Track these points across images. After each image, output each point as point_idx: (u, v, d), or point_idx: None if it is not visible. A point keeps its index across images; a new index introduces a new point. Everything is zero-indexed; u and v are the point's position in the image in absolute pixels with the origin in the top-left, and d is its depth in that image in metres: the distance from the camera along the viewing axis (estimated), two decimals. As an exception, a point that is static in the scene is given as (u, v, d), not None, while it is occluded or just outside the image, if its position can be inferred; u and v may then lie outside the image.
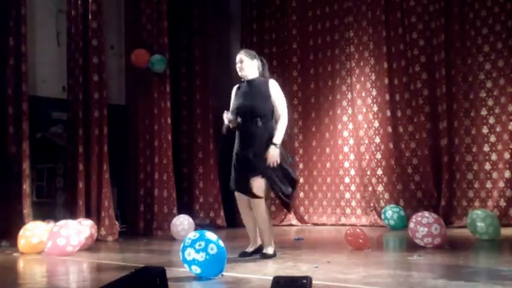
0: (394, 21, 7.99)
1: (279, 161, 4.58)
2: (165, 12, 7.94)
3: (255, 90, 4.71)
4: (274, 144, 4.57)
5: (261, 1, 9.28)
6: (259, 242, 4.80)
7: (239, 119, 4.67)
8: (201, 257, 3.70)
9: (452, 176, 7.38)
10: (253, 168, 4.59)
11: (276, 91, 4.73)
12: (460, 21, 7.48)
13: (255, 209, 4.66)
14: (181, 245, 3.84)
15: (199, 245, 3.73)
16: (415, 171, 7.74)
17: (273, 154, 4.55)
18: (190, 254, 3.73)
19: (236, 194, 4.80)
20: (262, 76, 4.83)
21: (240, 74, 4.80)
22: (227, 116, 4.66)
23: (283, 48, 9.03)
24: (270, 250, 4.70)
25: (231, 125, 4.68)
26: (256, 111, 4.63)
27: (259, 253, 4.74)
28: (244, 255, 4.73)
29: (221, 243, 3.86)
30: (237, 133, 4.75)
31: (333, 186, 8.40)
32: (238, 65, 4.79)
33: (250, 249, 4.82)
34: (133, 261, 4.77)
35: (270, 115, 4.68)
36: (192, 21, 8.74)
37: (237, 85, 4.90)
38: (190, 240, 3.79)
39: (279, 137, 4.62)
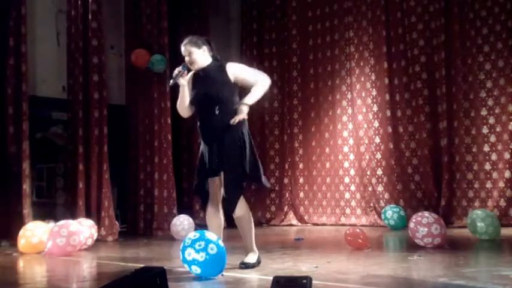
0: (394, 21, 7.99)
1: (246, 117, 4.14)
2: (165, 12, 7.93)
3: (209, 78, 4.27)
4: (244, 104, 4.14)
5: (261, 1, 9.28)
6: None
7: (185, 73, 4.25)
8: (201, 257, 3.70)
9: (452, 176, 7.38)
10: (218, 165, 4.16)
11: (236, 70, 4.30)
12: (460, 21, 7.48)
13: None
14: (182, 245, 3.83)
15: (199, 245, 3.73)
16: (415, 171, 7.74)
17: (241, 111, 4.11)
18: (191, 254, 3.73)
19: (210, 182, 4.25)
20: (216, 60, 4.34)
21: (192, 68, 4.29)
22: (178, 69, 4.25)
23: (283, 48, 9.03)
24: (252, 258, 4.27)
25: (172, 81, 4.27)
26: (212, 100, 4.22)
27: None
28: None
29: (221, 243, 3.86)
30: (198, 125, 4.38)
31: (332, 186, 8.40)
32: (187, 59, 4.25)
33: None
34: (133, 261, 4.77)
35: (231, 101, 4.25)
36: (192, 21, 8.73)
37: (192, 72, 4.33)
38: (190, 240, 3.79)
39: (251, 97, 4.18)
